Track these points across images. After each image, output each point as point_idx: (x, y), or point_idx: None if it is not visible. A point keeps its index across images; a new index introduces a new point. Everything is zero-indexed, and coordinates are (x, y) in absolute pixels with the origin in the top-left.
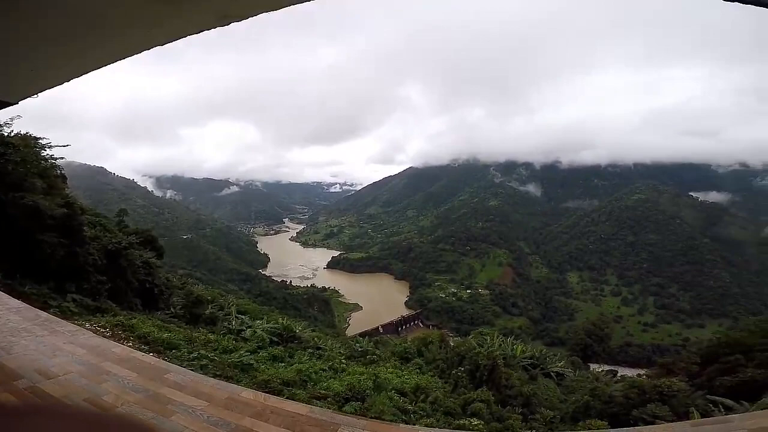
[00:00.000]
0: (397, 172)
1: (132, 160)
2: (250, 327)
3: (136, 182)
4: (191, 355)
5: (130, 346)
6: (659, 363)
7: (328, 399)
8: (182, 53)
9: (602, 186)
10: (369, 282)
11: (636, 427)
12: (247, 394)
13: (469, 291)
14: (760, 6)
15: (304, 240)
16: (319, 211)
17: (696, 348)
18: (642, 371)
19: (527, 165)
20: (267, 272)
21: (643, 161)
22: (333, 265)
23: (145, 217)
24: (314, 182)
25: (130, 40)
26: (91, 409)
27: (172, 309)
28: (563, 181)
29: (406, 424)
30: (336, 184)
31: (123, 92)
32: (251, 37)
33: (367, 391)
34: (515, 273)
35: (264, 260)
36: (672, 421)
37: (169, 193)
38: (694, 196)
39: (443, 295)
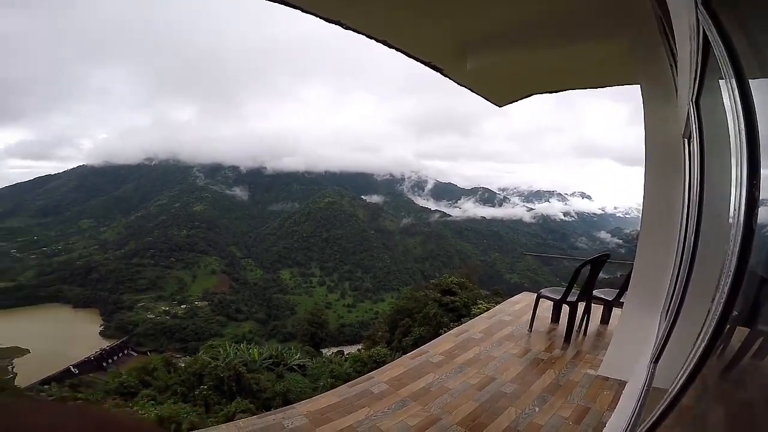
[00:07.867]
0: (60, 171)
1: None
2: None
3: None
4: None
5: None
6: (365, 336)
7: None
8: None
9: (301, 190)
10: (30, 318)
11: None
12: None
13: (184, 306)
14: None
15: None
16: None
17: (382, 319)
18: (359, 346)
19: (234, 168)
20: None
21: (331, 170)
22: None
23: None
24: None
25: None
26: (97, 410)
27: None
28: (269, 185)
29: None
30: None
31: None
32: None
33: None
34: (231, 279)
35: None
36: None
37: None
38: (363, 198)
39: (152, 316)
